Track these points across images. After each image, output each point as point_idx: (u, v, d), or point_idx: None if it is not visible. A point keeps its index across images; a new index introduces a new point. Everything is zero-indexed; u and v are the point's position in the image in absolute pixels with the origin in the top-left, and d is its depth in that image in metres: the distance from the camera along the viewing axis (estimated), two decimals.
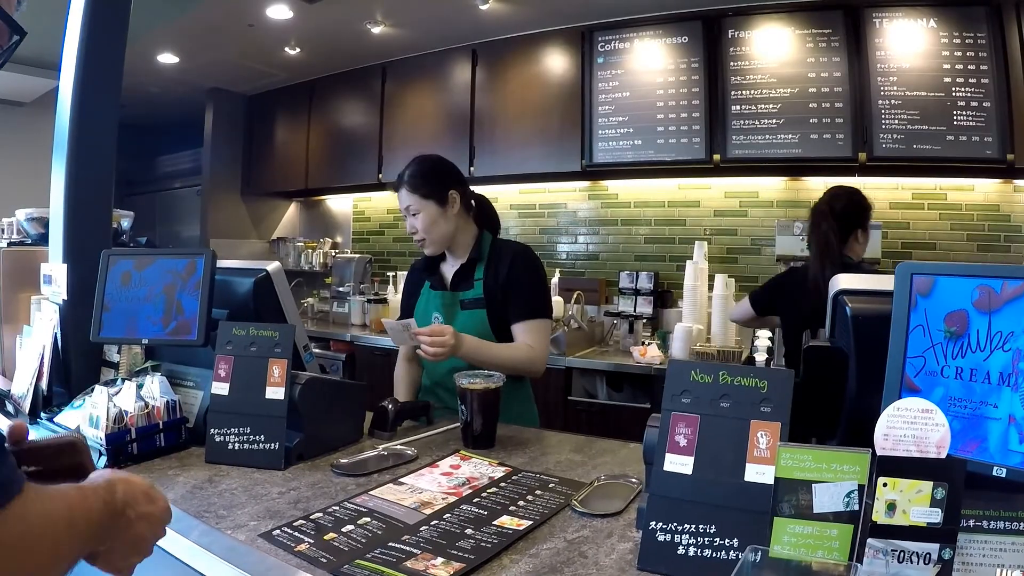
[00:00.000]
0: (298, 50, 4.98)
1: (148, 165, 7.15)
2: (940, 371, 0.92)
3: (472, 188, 2.24)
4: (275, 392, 1.52)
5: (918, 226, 3.89)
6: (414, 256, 5.55)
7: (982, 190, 3.77)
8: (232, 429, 1.52)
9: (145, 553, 0.88)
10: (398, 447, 1.64)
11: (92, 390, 1.55)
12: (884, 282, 1.03)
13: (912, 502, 0.82)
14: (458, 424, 1.74)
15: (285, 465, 1.48)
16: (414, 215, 2.10)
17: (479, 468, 1.49)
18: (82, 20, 2.11)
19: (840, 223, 2.81)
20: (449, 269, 2.22)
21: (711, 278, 4.00)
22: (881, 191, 3.95)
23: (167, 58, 5.18)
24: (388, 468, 1.49)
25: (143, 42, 4.63)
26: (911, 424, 0.85)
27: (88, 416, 1.51)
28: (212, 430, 1.54)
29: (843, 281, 1.08)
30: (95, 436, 1.47)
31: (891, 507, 0.83)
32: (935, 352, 0.93)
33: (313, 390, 1.56)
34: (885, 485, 0.83)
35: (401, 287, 5.09)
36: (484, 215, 2.26)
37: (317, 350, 4.68)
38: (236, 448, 1.51)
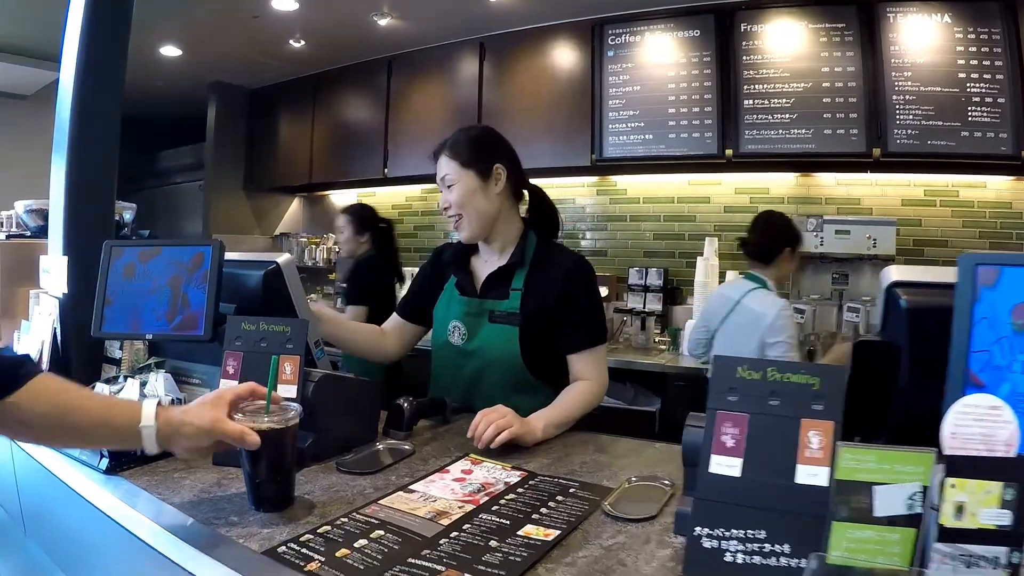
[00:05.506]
0: (303, 43, 4.93)
1: (150, 160, 7.11)
2: (1008, 365, 0.87)
3: None
4: (287, 390, 1.45)
5: (930, 223, 3.86)
6: (420, 252, 5.44)
7: (994, 187, 3.74)
8: None
9: None
10: (392, 443, 1.58)
11: (93, 388, 1.50)
12: (938, 274, 0.98)
13: (980, 504, 0.77)
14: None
15: (298, 467, 1.42)
16: (449, 187, 1.84)
17: (493, 473, 1.40)
18: (83, 11, 2.05)
19: None
20: (482, 269, 1.93)
21: (722, 274, 3.96)
22: (893, 187, 3.91)
23: (170, 51, 5.14)
24: (393, 465, 1.44)
25: (146, 35, 4.59)
26: (979, 421, 0.79)
27: None
28: None
29: (896, 273, 1.02)
30: None
31: (959, 509, 0.77)
32: (1002, 346, 0.87)
33: (327, 388, 1.48)
34: (953, 486, 0.77)
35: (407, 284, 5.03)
36: (539, 211, 1.98)
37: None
38: None
